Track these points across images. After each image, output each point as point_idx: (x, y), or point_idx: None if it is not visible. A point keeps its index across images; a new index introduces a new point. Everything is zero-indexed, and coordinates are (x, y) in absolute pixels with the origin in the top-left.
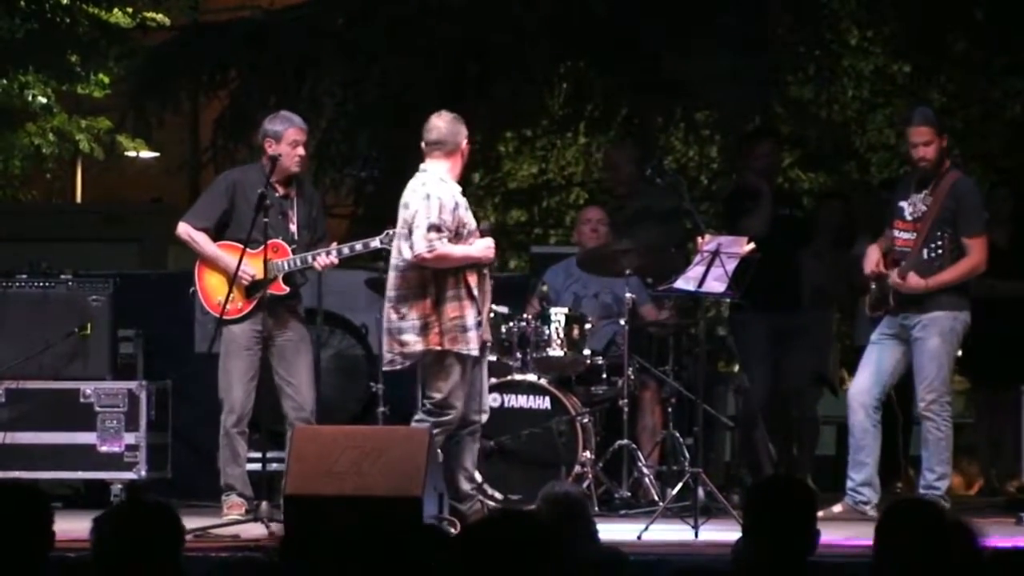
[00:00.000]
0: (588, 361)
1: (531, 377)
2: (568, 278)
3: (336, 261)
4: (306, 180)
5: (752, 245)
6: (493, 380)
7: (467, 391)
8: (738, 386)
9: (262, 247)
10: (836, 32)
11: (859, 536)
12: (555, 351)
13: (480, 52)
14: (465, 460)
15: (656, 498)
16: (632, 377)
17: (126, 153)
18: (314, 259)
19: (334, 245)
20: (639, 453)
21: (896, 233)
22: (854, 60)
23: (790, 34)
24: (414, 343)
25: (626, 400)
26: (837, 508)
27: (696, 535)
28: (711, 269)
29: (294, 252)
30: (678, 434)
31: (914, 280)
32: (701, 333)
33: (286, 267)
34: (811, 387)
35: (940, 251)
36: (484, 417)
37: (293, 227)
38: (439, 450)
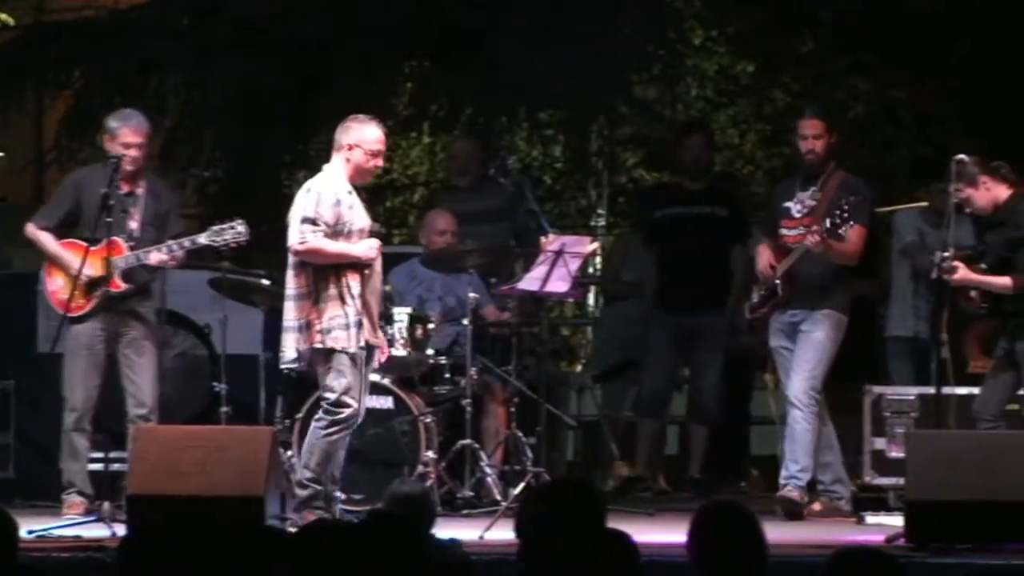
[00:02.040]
0: (431, 361)
1: (374, 377)
2: (412, 280)
3: (166, 257)
4: (159, 178)
5: (596, 245)
6: None
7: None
8: (580, 385)
9: (102, 245)
10: (680, 32)
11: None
12: (398, 351)
13: (325, 52)
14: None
15: (499, 498)
16: (475, 377)
17: None
18: (146, 256)
19: (168, 242)
20: (482, 453)
21: (784, 231)
22: (698, 60)
23: (636, 33)
24: (299, 342)
25: (469, 400)
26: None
27: None
28: (555, 269)
29: (132, 249)
30: (521, 434)
31: (815, 237)
32: (544, 333)
33: (122, 264)
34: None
35: (845, 215)
36: (359, 418)
37: (134, 224)
38: (342, 450)
